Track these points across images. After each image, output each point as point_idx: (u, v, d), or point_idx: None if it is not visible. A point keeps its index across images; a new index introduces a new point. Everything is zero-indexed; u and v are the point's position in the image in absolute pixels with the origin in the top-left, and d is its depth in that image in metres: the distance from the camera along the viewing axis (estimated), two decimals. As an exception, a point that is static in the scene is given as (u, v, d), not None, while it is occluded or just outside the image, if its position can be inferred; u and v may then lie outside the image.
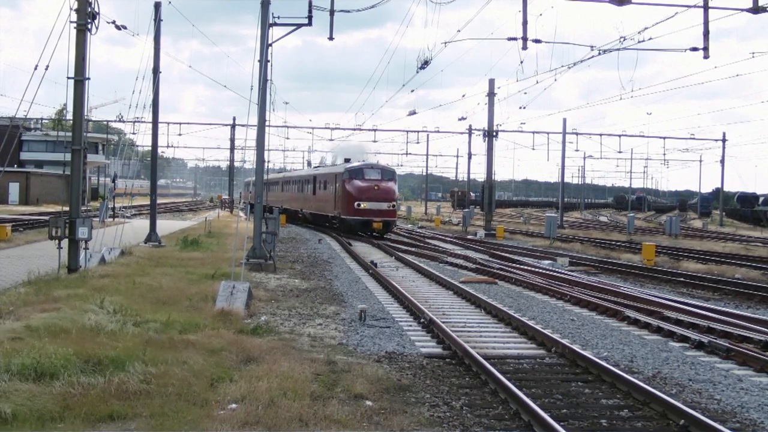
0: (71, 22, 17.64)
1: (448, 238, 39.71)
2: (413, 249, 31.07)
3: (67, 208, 18.04)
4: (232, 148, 72.25)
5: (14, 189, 65.98)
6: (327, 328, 12.83)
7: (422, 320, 13.59)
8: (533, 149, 66.27)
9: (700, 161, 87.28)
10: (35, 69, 17.04)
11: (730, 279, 22.35)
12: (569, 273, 22.93)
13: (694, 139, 71.70)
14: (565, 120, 58.92)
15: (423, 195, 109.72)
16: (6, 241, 26.62)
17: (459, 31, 69.92)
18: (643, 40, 22.45)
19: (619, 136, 67.54)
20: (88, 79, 17.98)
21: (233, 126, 70.03)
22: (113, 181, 48.10)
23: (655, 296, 17.55)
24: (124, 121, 61.37)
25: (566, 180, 63.68)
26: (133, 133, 60.55)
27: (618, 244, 36.97)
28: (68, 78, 17.85)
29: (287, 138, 76.83)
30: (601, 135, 67.69)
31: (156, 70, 27.90)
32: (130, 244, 24.47)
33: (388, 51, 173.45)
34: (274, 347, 10.54)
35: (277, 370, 9.06)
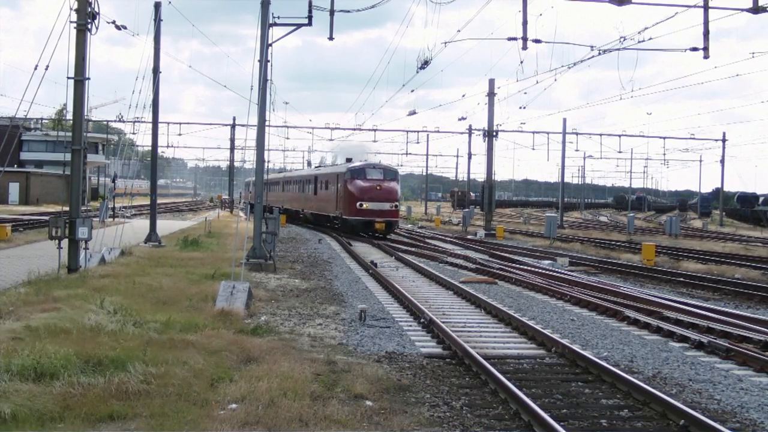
0: (71, 22, 17.65)
1: (448, 238, 39.71)
2: (413, 249, 31.07)
3: (67, 208, 18.04)
4: (232, 148, 72.31)
5: (14, 189, 65.98)
6: (327, 328, 12.83)
7: (422, 320, 13.59)
8: (533, 149, 66.33)
9: (700, 161, 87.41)
10: (35, 69, 17.06)
11: (730, 279, 22.35)
12: (569, 273, 22.93)
13: (694, 139, 71.78)
14: (565, 120, 58.93)
15: (423, 195, 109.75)
16: (6, 241, 26.62)
17: (459, 31, 69.94)
18: (643, 40, 22.47)
19: (619, 136, 67.59)
20: (88, 79, 17.99)
21: (233, 126, 70.09)
22: (113, 181, 48.11)
23: (655, 296, 17.55)
24: (124, 121, 61.38)
25: (566, 180, 63.75)
26: (133, 133, 60.62)
27: (618, 244, 36.97)
28: (68, 78, 17.86)
29: (287, 138, 76.90)
30: (601, 135, 67.75)
31: (156, 70, 27.91)
32: (130, 244, 24.48)
33: (388, 51, 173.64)
34: (274, 347, 10.54)
35: (277, 370, 9.06)
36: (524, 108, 48.96)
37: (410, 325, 13.52)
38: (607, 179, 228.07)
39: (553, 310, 15.91)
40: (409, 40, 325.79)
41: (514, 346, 12.07)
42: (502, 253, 29.75)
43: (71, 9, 17.70)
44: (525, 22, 21.97)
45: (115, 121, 68.00)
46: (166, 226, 39.95)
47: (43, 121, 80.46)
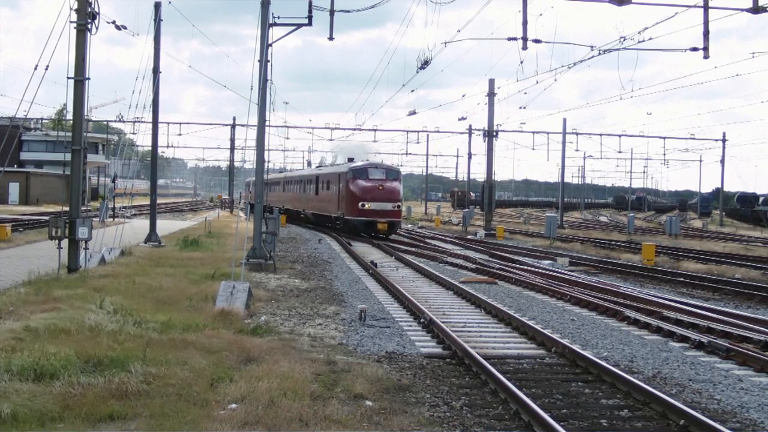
0: (71, 22, 17.65)
1: (448, 238, 39.70)
2: (413, 249, 31.07)
3: (67, 208, 18.04)
4: (232, 148, 72.31)
5: (14, 189, 65.98)
6: (327, 328, 12.83)
7: (422, 320, 13.59)
8: (533, 149, 66.33)
9: (700, 161, 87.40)
10: (35, 69, 17.06)
11: (730, 279, 22.35)
12: (569, 273, 22.93)
13: (694, 139, 71.77)
14: (565, 120, 58.97)
15: (423, 195, 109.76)
16: (6, 241, 26.62)
17: (459, 31, 69.99)
18: (643, 40, 22.47)
19: (619, 136, 67.58)
20: (88, 79, 17.99)
21: (233, 126, 70.09)
22: (113, 181, 48.12)
23: (655, 296, 17.55)
24: (124, 121, 61.44)
25: (566, 180, 63.76)
26: (133, 133, 60.67)
27: (618, 244, 36.97)
28: (68, 78, 17.86)
29: (287, 138, 76.96)
30: (601, 135, 67.74)
31: (156, 70, 27.91)
32: (130, 244, 24.48)
33: (388, 51, 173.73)
34: (274, 347, 10.54)
35: (277, 370, 9.06)
36: (524, 108, 49.01)
37: (410, 325, 13.52)
38: (607, 179, 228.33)
39: (553, 310, 15.91)
40: (409, 40, 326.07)
41: (514, 346, 12.07)
42: (502, 253, 29.75)
43: (71, 9, 17.71)
44: (525, 22, 21.98)
45: (115, 121, 68.13)
46: (166, 226, 39.95)
47: (43, 121, 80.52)
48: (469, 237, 42.09)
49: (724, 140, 69.56)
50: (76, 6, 17.73)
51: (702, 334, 12.89)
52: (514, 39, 23.32)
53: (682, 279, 22.01)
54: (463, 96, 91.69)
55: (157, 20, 27.71)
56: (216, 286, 14.70)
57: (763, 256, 30.67)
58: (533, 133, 65.92)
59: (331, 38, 24.07)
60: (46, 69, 17.14)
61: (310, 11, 22.35)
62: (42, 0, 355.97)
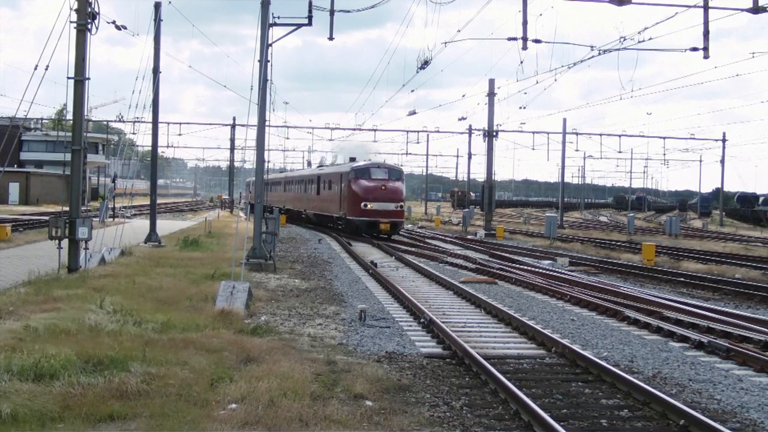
0: (71, 22, 17.65)
1: (448, 238, 39.70)
2: (413, 249, 31.07)
3: (67, 208, 18.04)
4: (232, 148, 72.32)
5: (14, 189, 65.98)
6: (327, 328, 12.83)
7: (422, 320, 13.59)
8: (533, 149, 66.31)
9: (700, 161, 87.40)
10: (35, 69, 17.06)
11: (730, 279, 22.35)
12: (569, 273, 22.93)
13: (694, 139, 71.78)
14: (565, 120, 58.98)
15: (423, 195, 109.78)
16: (6, 241, 26.62)
17: (459, 31, 69.98)
18: (643, 40, 22.47)
19: (619, 136, 67.56)
20: (88, 79, 17.99)
21: (233, 126, 70.10)
22: (113, 181, 48.11)
23: (655, 296, 17.55)
24: (124, 121, 61.46)
25: (566, 180, 63.77)
26: (133, 133, 60.69)
27: (618, 244, 36.97)
28: (68, 78, 17.86)
29: (287, 138, 76.97)
30: (601, 135, 67.72)
31: (156, 70, 27.90)
32: (130, 244, 24.48)
33: (388, 51, 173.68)
34: (274, 347, 10.53)
35: (277, 370, 9.06)
36: (524, 108, 49.03)
37: (410, 325, 13.52)
38: (607, 179, 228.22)
39: (553, 310, 15.91)
40: (409, 40, 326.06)
41: (514, 346, 12.07)
42: (502, 253, 29.74)
43: (71, 9, 17.71)
44: (525, 22, 21.98)
45: (115, 121, 68.16)
46: (166, 226, 39.95)
47: (43, 121, 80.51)
48: (469, 237, 42.09)
49: (724, 140, 69.60)
50: (76, 6, 17.73)
51: (702, 334, 12.89)
52: (514, 39, 23.33)
53: (682, 279, 22.01)
54: (463, 96, 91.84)
55: (157, 20, 27.72)
56: (216, 286, 14.70)
57: (763, 256, 30.67)
58: (533, 133, 65.96)
59: (331, 38, 24.08)
60: (46, 69, 17.15)
61: (310, 11, 22.35)
62: (42, 0, 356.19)
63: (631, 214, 60.68)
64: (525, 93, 56.57)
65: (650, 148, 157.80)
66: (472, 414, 8.18)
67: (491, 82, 44.43)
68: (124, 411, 7.39)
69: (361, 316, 13.73)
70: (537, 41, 23.24)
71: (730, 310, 15.83)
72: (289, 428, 7.17)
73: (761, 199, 77.96)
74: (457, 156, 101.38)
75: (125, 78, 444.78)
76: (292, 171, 72.68)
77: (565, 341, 11.81)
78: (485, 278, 21.40)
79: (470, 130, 65.53)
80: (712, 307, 16.15)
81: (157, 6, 27.54)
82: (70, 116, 19.30)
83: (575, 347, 11.23)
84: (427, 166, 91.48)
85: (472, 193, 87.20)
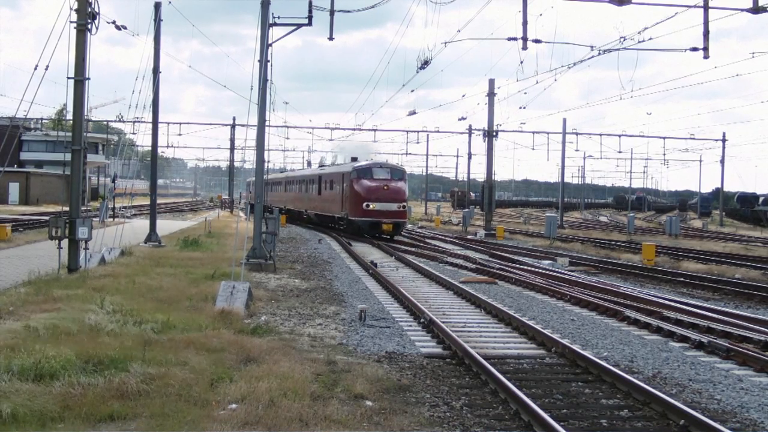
0: (71, 22, 17.65)
1: (448, 238, 39.70)
2: (413, 249, 31.07)
3: (67, 208, 18.04)
4: (232, 148, 72.32)
5: (14, 189, 65.99)
6: (327, 328, 12.83)
7: (422, 320, 13.59)
8: (533, 149, 66.32)
9: (700, 161, 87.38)
10: (35, 69, 17.06)
11: (730, 279, 22.35)
12: (569, 273, 22.93)
13: (694, 139, 71.77)
14: (565, 120, 58.99)
15: (423, 195, 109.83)
16: (6, 241, 26.62)
17: (459, 31, 69.93)
18: (643, 40, 22.48)
19: (619, 136, 67.57)
20: (88, 79, 17.99)
21: (233, 126, 70.11)
22: (113, 181, 48.11)
23: (655, 296, 17.55)
24: (124, 121, 61.46)
25: (566, 180, 63.79)
26: (133, 133, 60.60)
27: (618, 244, 36.97)
28: (68, 78, 17.86)
29: (287, 138, 76.99)
30: (601, 135, 67.72)
31: (156, 70, 27.90)
32: (130, 244, 24.48)
33: (388, 51, 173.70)
34: (274, 347, 10.53)
35: (277, 370, 9.06)
36: (524, 108, 49.02)
37: (410, 325, 13.52)
38: (607, 179, 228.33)
39: (553, 310, 15.91)
40: (409, 40, 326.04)
41: (514, 346, 12.07)
42: (502, 253, 29.74)
43: (71, 9, 17.72)
44: (525, 22, 21.99)
45: (115, 121, 68.16)
46: (166, 226, 39.95)
47: (43, 121, 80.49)
48: (469, 237, 42.09)
49: (724, 140, 69.60)
50: (76, 6, 17.74)
51: (702, 334, 12.89)
52: (514, 39, 23.34)
53: (682, 279, 22.01)
54: (463, 96, 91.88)
55: (157, 20, 27.72)
56: (216, 286, 14.69)
57: (763, 256, 30.67)
58: (533, 133, 65.97)
59: (331, 38, 24.08)
60: (46, 69, 17.15)
61: (310, 11, 22.35)
62: (42, 0, 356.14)
63: (631, 214, 60.68)
64: (525, 93, 56.65)
65: (650, 148, 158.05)
66: (472, 414, 8.18)
67: (491, 82, 44.44)
68: (124, 411, 7.39)
69: (361, 316, 13.73)
70: (537, 41, 23.25)
71: (730, 310, 15.83)
72: (289, 428, 7.17)
73: (761, 199, 77.96)
74: (457, 156, 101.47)
75: (125, 78, 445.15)
76: (293, 171, 72.40)
77: (565, 341, 11.81)
78: (485, 278, 21.40)
79: (470, 130, 65.58)
80: (712, 307, 16.15)
81: (157, 6, 27.54)
82: (70, 116, 19.30)
83: (575, 347, 11.23)
84: (427, 166, 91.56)
85: (472, 193, 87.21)
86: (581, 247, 35.30)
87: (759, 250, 36.31)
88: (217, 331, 11.21)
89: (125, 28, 24.71)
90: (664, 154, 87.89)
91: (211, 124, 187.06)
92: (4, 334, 9.89)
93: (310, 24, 22.50)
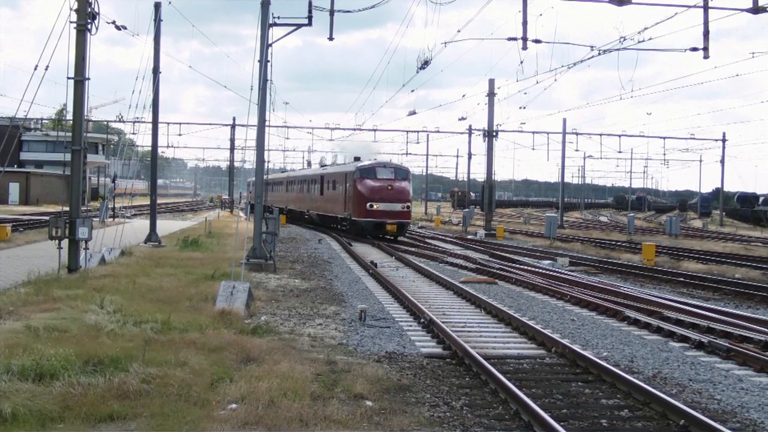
0: (71, 22, 17.66)
1: (448, 238, 39.69)
2: (413, 249, 31.06)
3: (67, 209, 18.04)
4: (232, 148, 72.31)
5: (14, 189, 66.00)
6: (327, 328, 12.83)
7: (422, 320, 13.59)
8: (533, 149, 66.31)
9: (700, 161, 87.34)
10: (35, 69, 17.06)
11: (730, 279, 22.35)
12: (569, 273, 22.93)
13: (694, 139, 71.77)
14: (565, 120, 59.00)
15: (423, 195, 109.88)
16: (6, 241, 26.63)
17: (459, 31, 69.97)
18: (643, 40, 22.48)
19: (619, 136, 67.56)
20: (88, 79, 17.99)
21: (233, 126, 70.11)
22: (113, 182, 48.11)
23: (655, 296, 17.55)
24: (124, 122, 61.46)
25: (566, 180, 63.79)
26: (133, 134, 60.49)
27: (618, 244, 36.97)
28: (68, 78, 17.87)
29: (287, 138, 77.04)
30: (601, 135, 67.70)
31: (156, 70, 27.91)
32: (130, 244, 24.48)
33: (389, 51, 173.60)
34: (274, 347, 10.53)
35: (277, 370, 9.06)
36: (524, 108, 49.07)
37: (410, 325, 13.52)
38: (607, 179, 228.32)
39: (553, 310, 15.91)
40: (409, 40, 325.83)
41: (514, 346, 12.07)
42: (502, 253, 29.74)
43: (71, 9, 17.72)
44: (525, 23, 21.99)
45: (115, 121, 68.13)
46: (166, 226, 39.94)
47: (43, 121, 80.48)
48: (469, 237, 42.09)
49: (724, 140, 69.59)
50: (76, 6, 17.74)
51: (702, 334, 12.89)
52: (514, 39, 23.34)
53: (682, 279, 22.01)
54: (463, 96, 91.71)
55: (157, 20, 27.72)
56: (216, 286, 14.69)
57: (763, 256, 30.67)
58: (533, 133, 65.97)
59: (331, 38, 24.07)
60: (46, 69, 17.15)
61: (310, 11, 22.34)
62: (42, 0, 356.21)
63: (631, 214, 60.68)
64: (525, 93, 56.58)
65: (650, 148, 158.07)
66: (472, 414, 8.18)
67: (491, 82, 44.44)
68: (124, 411, 7.39)
69: (361, 316, 13.73)
70: (537, 41, 23.25)
71: (730, 310, 15.83)
72: (289, 428, 7.17)
73: (761, 199, 77.98)
74: (457, 156, 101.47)
75: (125, 78, 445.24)
76: (294, 171, 72.16)
77: (565, 341, 11.81)
78: (485, 278, 21.40)
79: (470, 130, 65.58)
80: (712, 307, 16.15)
81: (157, 6, 27.54)
82: (70, 116, 19.30)
83: (575, 347, 11.23)
84: (427, 166, 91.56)
85: (472, 193, 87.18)
86: (581, 247, 35.30)
87: (759, 250, 36.31)
88: (217, 331, 11.20)
89: (125, 28, 24.74)
90: (664, 154, 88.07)
91: (211, 124, 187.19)
92: (5, 334, 9.89)
93: (310, 24, 22.49)
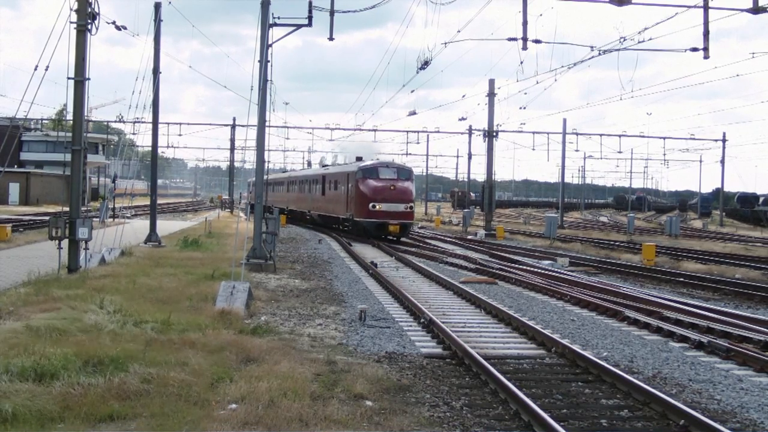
0: (71, 22, 17.66)
1: (448, 239, 39.69)
2: (413, 249, 31.07)
3: (67, 209, 18.04)
4: (232, 149, 72.31)
5: (14, 189, 66.00)
6: (327, 329, 12.83)
7: (422, 320, 13.59)
8: (533, 149, 66.36)
9: (700, 161, 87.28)
10: (35, 69, 17.07)
11: (730, 279, 22.35)
12: (569, 273, 22.93)
13: (694, 139, 71.74)
14: (565, 120, 59.15)
15: (423, 195, 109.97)
16: (6, 241, 26.62)
17: (459, 31, 70.04)
18: (643, 41, 22.49)
19: (619, 136, 67.54)
20: (88, 79, 18.00)
21: (233, 126, 70.10)
22: (113, 182, 48.12)
23: (655, 296, 17.55)
24: (124, 122, 61.52)
25: (566, 180, 63.78)
26: (133, 134, 60.45)
27: (618, 244, 36.97)
28: (68, 78, 17.87)
29: (287, 138, 77.07)
30: (601, 135, 67.66)
31: (156, 71, 27.91)
32: (130, 244, 24.48)
33: (389, 51, 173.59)
34: (274, 347, 10.53)
35: (277, 370, 9.06)
36: (524, 108, 49.12)
37: (410, 325, 13.52)
38: (607, 179, 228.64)
39: (553, 311, 15.91)
40: (409, 40, 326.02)
41: (514, 346, 12.07)
42: (502, 254, 29.75)
43: (71, 9, 17.72)
44: (525, 23, 22.00)
45: (115, 121, 68.26)
46: (166, 226, 39.94)
47: (43, 121, 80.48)
48: (469, 237, 42.09)
49: (724, 140, 69.59)
50: (76, 6, 17.74)
51: (702, 334, 12.89)
52: (514, 39, 23.35)
53: (682, 279, 22.02)
54: (463, 96, 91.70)
55: (157, 20, 27.73)
56: (216, 286, 14.70)
57: (763, 256, 30.68)
58: (533, 133, 65.98)
59: (331, 38, 24.06)
60: (46, 69, 17.15)
61: (310, 12, 22.34)
62: (42, 0, 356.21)
63: (631, 215, 60.71)
64: (525, 93, 56.50)
65: (650, 148, 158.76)
66: (472, 414, 8.18)
67: (491, 82, 44.45)
68: (124, 411, 7.39)
69: (361, 316, 13.73)
70: (537, 41, 23.26)
71: (730, 310, 15.83)
72: (289, 428, 7.17)
73: (761, 199, 78.02)
74: (457, 156, 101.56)
75: (125, 78, 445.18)
76: (295, 171, 71.97)
77: (565, 341, 11.81)
78: (485, 278, 21.41)
79: (470, 131, 65.61)
80: (712, 307, 16.15)
81: (157, 6, 27.55)
82: (70, 116, 19.30)
83: (575, 347, 11.24)
84: (427, 167, 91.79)
85: (472, 194, 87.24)
86: (581, 248, 35.29)
87: (759, 250, 36.31)
88: (217, 331, 11.21)
89: (125, 28, 24.73)
90: (664, 154, 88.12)
91: (211, 124, 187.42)
92: (5, 334, 9.89)
93: (310, 24, 22.49)
